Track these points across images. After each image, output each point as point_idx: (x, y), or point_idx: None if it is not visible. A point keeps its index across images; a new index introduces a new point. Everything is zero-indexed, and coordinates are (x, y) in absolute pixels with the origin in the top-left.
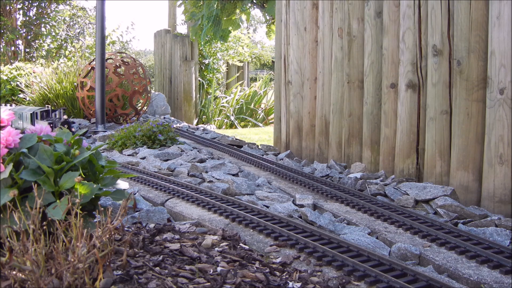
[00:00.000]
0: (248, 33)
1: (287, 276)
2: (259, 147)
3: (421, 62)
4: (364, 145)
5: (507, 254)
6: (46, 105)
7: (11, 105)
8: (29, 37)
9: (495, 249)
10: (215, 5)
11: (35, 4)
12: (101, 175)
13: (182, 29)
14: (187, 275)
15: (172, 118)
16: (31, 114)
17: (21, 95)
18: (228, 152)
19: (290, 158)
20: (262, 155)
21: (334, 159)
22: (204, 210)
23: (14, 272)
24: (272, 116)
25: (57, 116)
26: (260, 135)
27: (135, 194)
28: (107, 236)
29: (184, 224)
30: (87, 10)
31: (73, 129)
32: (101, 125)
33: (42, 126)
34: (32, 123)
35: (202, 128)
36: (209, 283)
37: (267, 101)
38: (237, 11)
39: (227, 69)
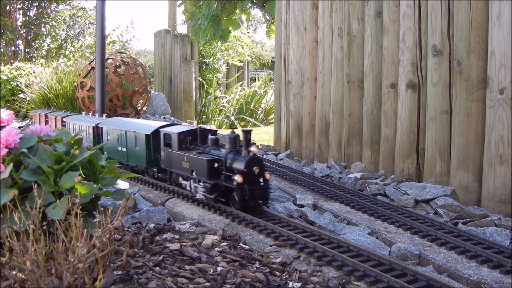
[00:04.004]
0: (248, 33)
1: (287, 276)
2: (259, 147)
3: (421, 62)
4: (364, 145)
5: (507, 254)
6: (199, 126)
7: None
8: (29, 37)
9: (495, 249)
10: (215, 5)
11: (35, 4)
12: (101, 175)
13: (182, 29)
14: (187, 275)
15: (172, 118)
16: (179, 134)
17: (21, 95)
18: None
19: (290, 158)
20: (262, 155)
21: (334, 159)
22: (204, 210)
23: (14, 272)
24: (272, 116)
25: (239, 144)
26: (260, 135)
27: (135, 194)
28: (107, 236)
29: (184, 224)
30: (87, 10)
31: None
32: None
33: (42, 126)
34: (180, 148)
35: None
36: (209, 283)
37: (267, 101)
38: (237, 11)
39: (227, 69)
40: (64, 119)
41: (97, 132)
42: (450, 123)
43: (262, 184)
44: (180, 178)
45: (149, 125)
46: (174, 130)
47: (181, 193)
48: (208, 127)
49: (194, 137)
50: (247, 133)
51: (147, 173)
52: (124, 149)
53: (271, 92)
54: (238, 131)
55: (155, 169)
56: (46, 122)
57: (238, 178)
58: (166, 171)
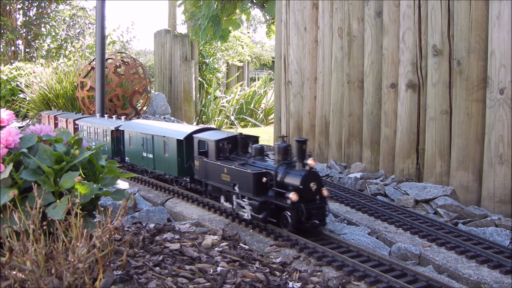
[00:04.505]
0: (248, 33)
1: (287, 276)
2: None
3: (421, 62)
4: (364, 145)
5: (507, 254)
6: (240, 133)
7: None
8: (29, 37)
9: (495, 249)
10: (215, 5)
11: (35, 4)
12: (101, 175)
13: (182, 29)
14: (187, 275)
15: (172, 118)
16: (217, 142)
17: (21, 95)
18: None
19: None
20: None
21: (334, 159)
22: (204, 210)
23: (14, 272)
24: (272, 116)
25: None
26: (260, 135)
27: (135, 194)
28: (107, 236)
29: (184, 224)
30: (87, 10)
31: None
32: None
33: (42, 126)
34: (218, 157)
35: None
36: (209, 283)
37: (267, 101)
38: (237, 11)
39: (227, 69)
40: (76, 122)
41: (116, 136)
42: (450, 123)
43: (319, 202)
44: (220, 193)
45: (180, 129)
46: (211, 136)
47: (181, 193)
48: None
49: (234, 145)
50: (302, 143)
51: (178, 183)
52: (151, 156)
53: (271, 92)
54: (286, 139)
55: (187, 179)
56: (56, 125)
57: (293, 196)
58: (202, 182)
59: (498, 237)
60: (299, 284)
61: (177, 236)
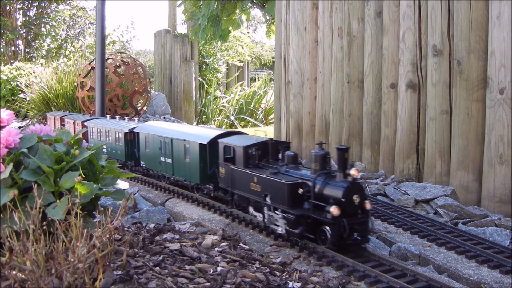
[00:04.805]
0: (248, 33)
1: (287, 276)
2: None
3: (421, 62)
4: (364, 145)
5: (507, 254)
6: (269, 139)
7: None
8: (29, 37)
9: (495, 249)
10: (214, 5)
11: (35, 4)
12: (101, 175)
13: (182, 29)
14: (187, 275)
15: (172, 118)
16: (246, 148)
17: (21, 95)
18: None
19: None
20: None
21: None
22: (204, 210)
23: (14, 272)
24: (272, 116)
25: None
26: (260, 135)
27: (135, 194)
28: (107, 236)
29: (184, 224)
30: (87, 10)
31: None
32: None
33: (42, 126)
34: (247, 165)
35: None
36: (209, 283)
37: (267, 101)
38: (237, 11)
39: (227, 69)
40: (85, 124)
41: (130, 139)
42: (450, 123)
43: (361, 216)
44: (247, 203)
45: (203, 133)
46: (239, 142)
47: (181, 193)
48: (208, 127)
49: (263, 151)
50: (344, 152)
51: (200, 190)
52: (169, 160)
53: (271, 92)
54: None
55: (211, 187)
56: (63, 127)
57: (334, 210)
58: (228, 191)
59: (498, 237)
60: (299, 284)
61: (177, 236)
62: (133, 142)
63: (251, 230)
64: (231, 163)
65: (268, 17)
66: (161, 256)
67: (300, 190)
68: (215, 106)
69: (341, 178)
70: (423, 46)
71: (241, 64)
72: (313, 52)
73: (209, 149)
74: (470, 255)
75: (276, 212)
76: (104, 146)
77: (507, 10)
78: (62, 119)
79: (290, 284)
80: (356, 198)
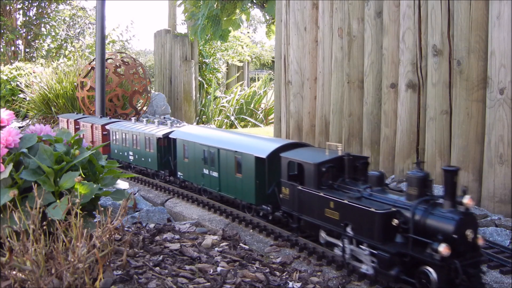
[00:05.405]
0: (248, 33)
1: (287, 276)
2: None
3: (421, 62)
4: (364, 145)
5: (507, 254)
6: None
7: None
8: (29, 37)
9: (495, 249)
10: (214, 5)
11: (35, 4)
12: (101, 175)
13: (182, 29)
14: (187, 275)
15: (172, 118)
16: (318, 166)
17: (21, 95)
18: None
19: None
20: None
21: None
22: (204, 210)
23: (14, 272)
24: (272, 116)
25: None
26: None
27: (135, 194)
28: (107, 236)
29: (184, 224)
30: (87, 10)
31: None
32: None
33: (42, 126)
34: (319, 186)
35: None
36: (209, 283)
37: (267, 101)
38: (237, 11)
39: (227, 69)
40: (107, 127)
41: (163, 145)
42: (450, 123)
43: (474, 255)
44: (317, 230)
45: (260, 144)
46: (309, 157)
47: (181, 193)
48: (208, 127)
49: (338, 169)
50: (453, 174)
51: (254, 211)
52: (215, 174)
53: (271, 92)
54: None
55: (268, 208)
56: (77, 130)
57: (444, 249)
58: (292, 216)
59: (498, 237)
60: (299, 284)
61: (177, 236)
62: (167, 149)
63: (251, 230)
64: (298, 183)
65: (268, 17)
66: (161, 256)
67: (395, 222)
68: (215, 106)
69: (449, 208)
70: (423, 46)
71: (241, 64)
72: (313, 52)
73: (268, 164)
74: None
75: (360, 246)
76: (131, 153)
77: (507, 10)
78: (76, 122)
79: (290, 284)
80: (469, 234)
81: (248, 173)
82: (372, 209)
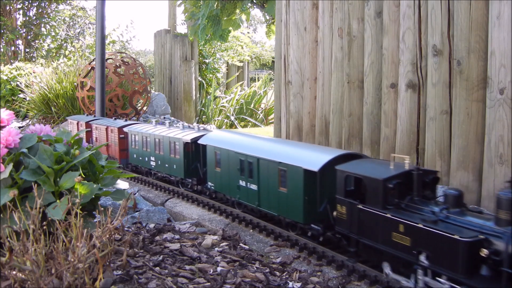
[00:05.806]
0: (248, 33)
1: (287, 276)
2: None
3: (421, 62)
4: (364, 145)
5: None
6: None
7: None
8: (29, 37)
9: None
10: (215, 5)
11: (35, 4)
12: (101, 175)
13: (182, 29)
14: (187, 275)
15: (172, 118)
16: (385, 182)
17: (21, 95)
18: None
19: None
20: None
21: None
22: (204, 210)
23: (14, 272)
24: (272, 116)
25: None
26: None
27: (135, 194)
28: (107, 236)
29: (184, 224)
30: (87, 10)
31: None
32: None
33: (42, 126)
34: (385, 205)
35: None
36: (209, 283)
37: (267, 101)
38: (237, 11)
39: (227, 69)
40: (124, 130)
41: (190, 150)
42: (450, 123)
43: None
44: (385, 268)
45: (309, 155)
46: (371, 172)
47: (181, 193)
48: (208, 127)
49: (406, 185)
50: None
51: (299, 229)
52: (254, 187)
53: (271, 92)
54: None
55: (319, 228)
56: (89, 134)
57: None
58: (350, 238)
59: None
60: (299, 284)
61: (177, 236)
62: (195, 155)
63: (251, 230)
64: (358, 201)
65: (268, 17)
66: (161, 256)
67: (484, 252)
68: (215, 106)
69: None
70: (423, 46)
71: (241, 64)
72: (313, 52)
73: (320, 178)
74: None
75: (438, 279)
76: (152, 158)
77: (507, 10)
78: (88, 125)
79: (290, 284)
80: None
81: (295, 187)
82: (456, 236)
